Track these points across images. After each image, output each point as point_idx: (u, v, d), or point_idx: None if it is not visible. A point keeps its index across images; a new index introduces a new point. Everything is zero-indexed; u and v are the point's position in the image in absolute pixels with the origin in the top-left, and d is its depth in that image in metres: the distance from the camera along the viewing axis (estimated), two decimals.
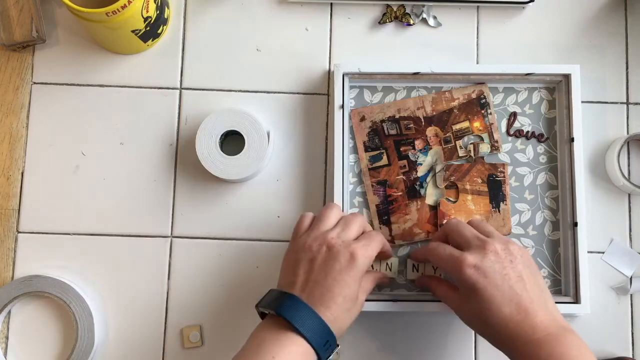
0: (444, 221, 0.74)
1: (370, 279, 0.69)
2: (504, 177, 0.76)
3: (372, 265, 0.73)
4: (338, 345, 0.63)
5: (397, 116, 0.77)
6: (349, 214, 0.70)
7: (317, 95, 0.79)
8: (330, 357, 0.63)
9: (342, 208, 0.74)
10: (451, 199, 0.76)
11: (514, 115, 0.77)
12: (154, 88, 0.79)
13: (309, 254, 0.64)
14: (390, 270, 0.74)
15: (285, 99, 0.79)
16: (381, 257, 0.73)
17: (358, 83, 0.78)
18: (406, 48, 0.80)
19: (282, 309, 0.61)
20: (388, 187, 0.76)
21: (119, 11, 0.68)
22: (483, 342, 0.75)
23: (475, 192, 0.76)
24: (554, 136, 0.77)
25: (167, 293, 0.76)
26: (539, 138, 0.77)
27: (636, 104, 0.79)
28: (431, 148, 0.77)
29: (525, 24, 0.80)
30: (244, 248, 0.76)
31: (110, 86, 0.79)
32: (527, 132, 0.77)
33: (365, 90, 0.78)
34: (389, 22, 0.80)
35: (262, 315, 0.65)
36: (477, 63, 0.79)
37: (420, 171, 0.76)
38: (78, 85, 0.79)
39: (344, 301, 0.62)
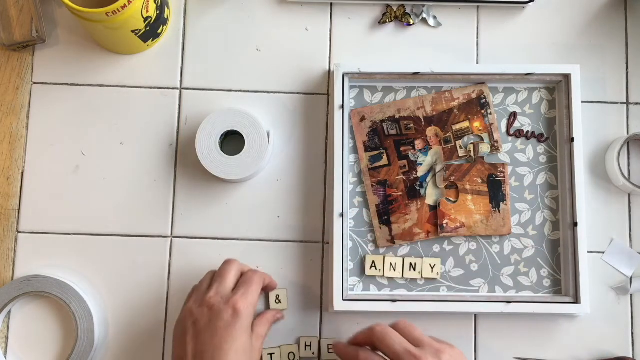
0: (364, 331, 0.66)
1: (262, 322, 0.70)
2: (504, 177, 0.76)
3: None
4: None
5: (397, 116, 0.77)
6: (222, 265, 0.70)
7: (317, 95, 0.79)
8: None
9: (342, 208, 0.73)
10: (451, 199, 0.76)
11: (514, 115, 0.77)
12: (154, 88, 0.79)
13: (192, 319, 0.66)
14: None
15: (285, 99, 0.79)
16: (267, 290, 0.74)
17: (358, 83, 0.78)
18: (406, 48, 0.80)
19: None
20: (388, 187, 0.76)
21: (119, 11, 0.68)
22: (483, 342, 0.75)
23: (475, 192, 0.76)
24: (554, 136, 0.77)
25: (167, 293, 0.76)
26: (539, 138, 0.77)
27: (636, 104, 0.79)
28: (431, 148, 0.77)
29: (525, 24, 0.80)
30: (244, 248, 0.76)
31: (110, 86, 0.79)
32: (527, 132, 0.77)
33: (365, 90, 0.78)
34: (389, 22, 0.80)
35: None
36: (477, 63, 0.79)
37: (420, 171, 0.76)
38: (78, 85, 0.79)
39: (237, 355, 0.63)
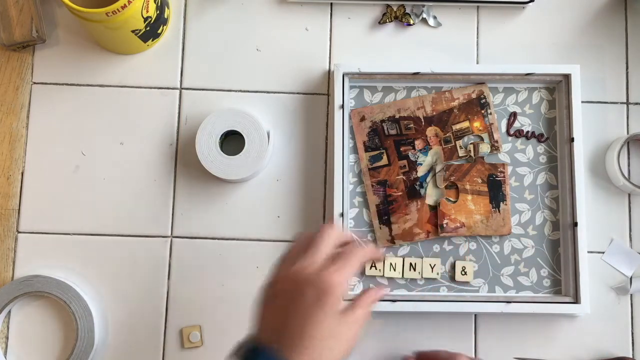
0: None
1: (361, 304, 0.58)
2: (504, 177, 0.76)
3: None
4: None
5: (397, 116, 0.77)
6: (320, 230, 0.60)
7: (317, 95, 0.79)
8: None
9: (342, 208, 0.73)
10: (451, 199, 0.76)
11: (514, 115, 0.77)
12: (154, 88, 0.79)
13: (278, 287, 0.57)
14: (395, 270, 0.74)
15: (285, 99, 0.79)
16: (374, 262, 0.68)
17: (358, 83, 0.78)
18: (406, 48, 0.80)
19: None
20: (388, 187, 0.76)
21: (119, 11, 0.68)
22: (483, 343, 0.75)
23: (475, 192, 0.76)
24: (554, 136, 0.77)
25: (167, 293, 0.76)
26: (539, 138, 0.77)
27: (636, 104, 0.79)
28: (431, 148, 0.77)
29: (525, 24, 0.80)
30: (244, 248, 0.76)
31: (110, 86, 0.79)
32: (527, 132, 0.77)
33: (365, 90, 0.78)
34: (389, 22, 0.80)
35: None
36: (477, 63, 0.79)
37: (420, 171, 0.76)
38: (78, 85, 0.79)
39: (320, 342, 0.54)
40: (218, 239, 0.76)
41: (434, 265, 0.75)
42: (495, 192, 0.76)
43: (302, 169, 0.78)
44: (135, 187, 0.77)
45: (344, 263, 0.57)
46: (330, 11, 0.80)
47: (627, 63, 0.80)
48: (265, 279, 0.59)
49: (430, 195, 0.76)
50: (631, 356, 0.75)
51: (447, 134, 0.77)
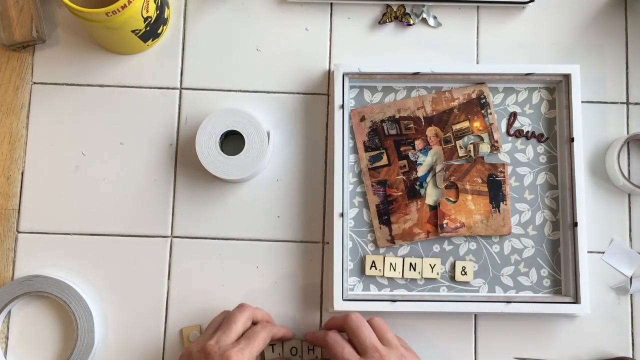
0: (327, 325, 0.69)
1: None
2: (504, 177, 0.76)
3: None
4: None
5: (397, 116, 0.77)
6: (235, 308, 0.68)
7: (317, 95, 0.79)
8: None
9: (342, 208, 0.73)
10: (451, 199, 0.76)
11: (514, 115, 0.77)
12: (154, 88, 0.79)
13: None
14: (395, 270, 0.74)
15: (285, 99, 0.79)
16: (283, 340, 0.72)
17: (358, 83, 0.78)
18: (406, 48, 0.80)
19: None
20: (388, 187, 0.76)
21: (119, 11, 0.68)
22: (483, 342, 0.75)
23: (475, 192, 0.76)
24: (554, 136, 0.77)
25: (167, 293, 0.76)
26: (539, 138, 0.77)
27: (636, 104, 0.79)
28: (431, 148, 0.77)
29: (525, 24, 0.80)
30: (244, 248, 0.76)
31: (110, 86, 0.79)
32: (527, 132, 0.77)
33: (365, 90, 0.78)
34: (389, 22, 0.80)
35: None
36: (477, 63, 0.79)
37: (420, 171, 0.76)
38: (78, 85, 0.79)
39: None
40: (218, 239, 0.76)
41: (434, 265, 0.75)
42: (495, 192, 0.76)
43: (302, 169, 0.78)
44: (135, 187, 0.77)
45: (247, 342, 0.64)
46: (330, 11, 0.80)
47: (627, 63, 0.80)
48: (182, 350, 0.69)
49: (430, 195, 0.76)
50: (631, 356, 0.75)
51: (447, 134, 0.77)
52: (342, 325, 0.67)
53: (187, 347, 0.66)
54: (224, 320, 0.67)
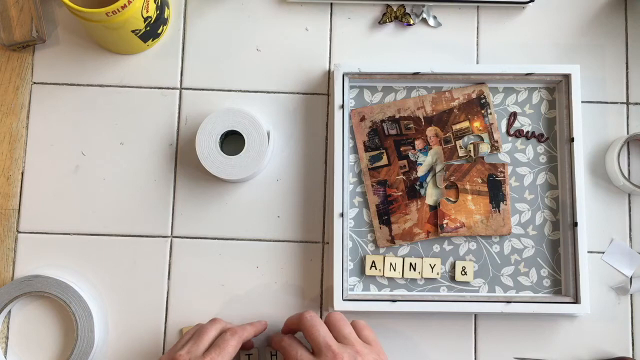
0: (307, 318, 0.68)
1: None
2: (504, 177, 0.76)
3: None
4: None
5: (397, 116, 0.77)
6: (208, 321, 0.69)
7: (317, 95, 0.79)
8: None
9: (342, 208, 0.73)
10: (451, 199, 0.76)
11: (514, 115, 0.77)
12: (154, 88, 0.79)
13: None
14: (395, 270, 0.74)
15: (285, 99, 0.79)
16: (243, 348, 0.72)
17: (358, 83, 0.78)
18: (406, 48, 0.80)
19: None
20: (388, 187, 0.76)
21: (119, 11, 0.68)
22: (483, 342, 0.75)
23: (475, 192, 0.76)
24: (554, 136, 0.77)
25: (167, 293, 0.76)
26: (539, 138, 0.77)
27: (636, 104, 0.79)
28: (431, 148, 0.77)
29: (525, 24, 0.80)
30: (244, 248, 0.76)
31: (110, 86, 0.79)
32: (527, 132, 0.77)
33: (365, 90, 0.78)
34: (389, 22, 0.80)
35: None
36: (477, 63, 0.79)
37: (420, 171, 0.76)
38: (78, 85, 0.79)
39: None
40: (218, 239, 0.76)
41: (434, 265, 0.75)
42: (495, 192, 0.76)
43: (302, 169, 0.78)
44: (135, 187, 0.77)
45: (218, 352, 0.65)
46: (330, 11, 0.80)
47: (627, 63, 0.80)
48: (158, 359, 0.69)
49: (430, 195, 0.76)
50: (631, 356, 0.75)
51: (447, 134, 0.77)
52: (298, 325, 0.67)
53: (160, 358, 0.67)
54: (196, 332, 0.68)
